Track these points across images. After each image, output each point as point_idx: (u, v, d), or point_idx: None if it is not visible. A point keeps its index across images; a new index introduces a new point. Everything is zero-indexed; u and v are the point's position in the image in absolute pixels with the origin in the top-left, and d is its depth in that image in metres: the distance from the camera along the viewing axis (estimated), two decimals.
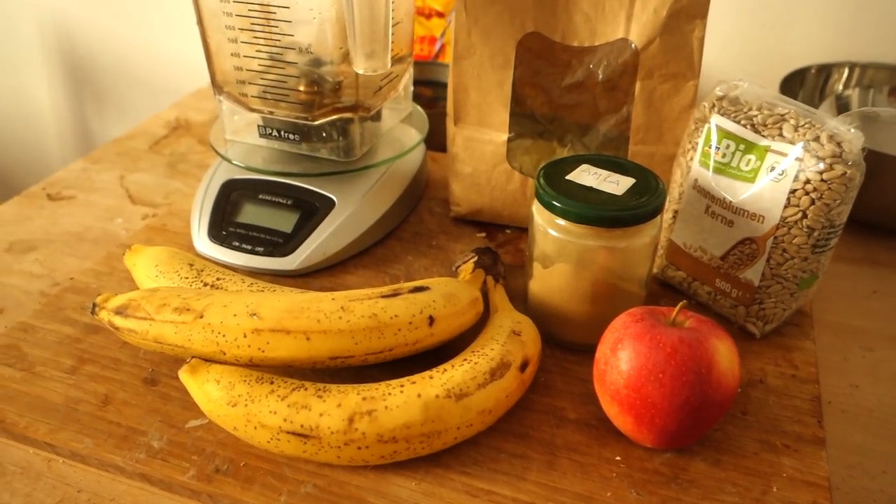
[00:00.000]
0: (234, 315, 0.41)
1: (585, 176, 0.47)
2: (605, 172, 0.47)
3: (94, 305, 0.44)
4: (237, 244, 0.57)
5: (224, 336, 0.41)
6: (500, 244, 0.61)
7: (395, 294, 0.43)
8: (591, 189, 0.46)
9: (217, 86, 0.59)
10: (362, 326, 0.41)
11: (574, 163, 0.49)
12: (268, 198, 0.59)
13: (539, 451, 0.42)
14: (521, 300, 0.52)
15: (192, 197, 0.66)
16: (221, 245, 0.57)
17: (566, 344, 0.50)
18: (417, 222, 0.63)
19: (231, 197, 0.59)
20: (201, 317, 0.41)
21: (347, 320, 0.41)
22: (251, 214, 0.58)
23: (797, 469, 0.42)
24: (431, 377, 0.41)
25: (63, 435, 0.42)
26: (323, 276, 0.56)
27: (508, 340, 0.44)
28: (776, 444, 0.43)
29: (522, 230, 0.62)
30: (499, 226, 0.63)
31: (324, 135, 0.58)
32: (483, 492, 0.40)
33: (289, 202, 0.58)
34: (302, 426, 0.39)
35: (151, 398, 0.45)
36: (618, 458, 0.42)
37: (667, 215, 0.54)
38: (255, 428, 0.40)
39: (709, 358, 0.38)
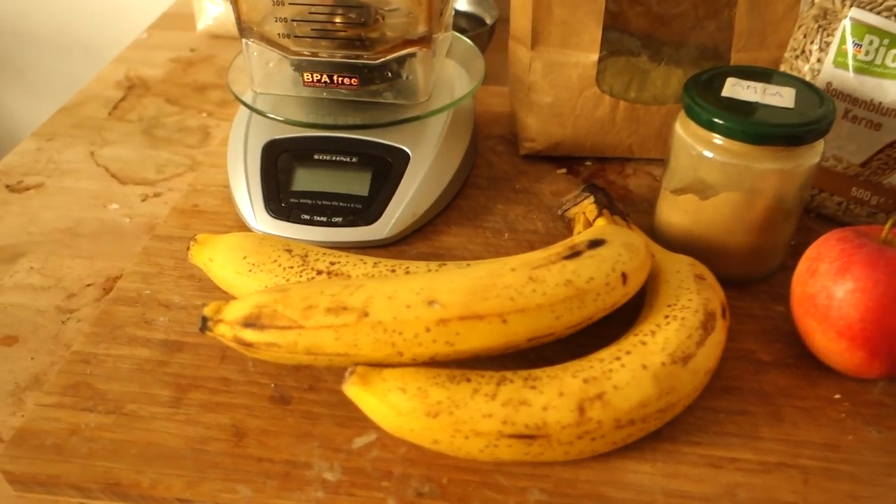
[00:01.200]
0: (408, 306, 0.33)
1: (740, 90, 0.42)
2: (758, 84, 0.42)
3: (206, 320, 0.35)
4: (307, 217, 0.47)
5: (401, 334, 0.33)
6: (586, 179, 0.55)
7: (575, 253, 0.37)
8: (755, 105, 0.41)
9: (244, 27, 0.48)
10: (560, 297, 0.35)
11: (718, 77, 0.43)
12: (327, 157, 0.49)
13: (756, 404, 0.38)
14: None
15: (198, 168, 0.55)
16: (288, 220, 0.47)
17: (720, 280, 0.45)
18: (486, 166, 0.56)
19: (279, 162, 0.49)
20: (366, 315, 0.33)
21: (543, 293, 0.34)
22: (312, 179, 0.49)
23: None
24: (644, 343, 0.35)
25: (207, 487, 0.33)
26: (417, 241, 0.48)
27: (699, 286, 0.39)
28: None
29: (603, 161, 0.56)
30: (577, 158, 0.56)
31: (389, 74, 0.48)
32: (725, 460, 0.35)
33: (354, 160, 0.49)
34: (526, 426, 0.32)
35: (293, 420, 0.36)
36: (837, 395, 0.38)
37: None
38: (467, 438, 0.33)
39: None
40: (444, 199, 0.50)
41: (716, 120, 0.40)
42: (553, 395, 0.33)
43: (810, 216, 0.51)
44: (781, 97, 0.41)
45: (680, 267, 0.40)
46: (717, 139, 0.41)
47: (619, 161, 0.56)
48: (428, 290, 0.34)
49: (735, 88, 0.42)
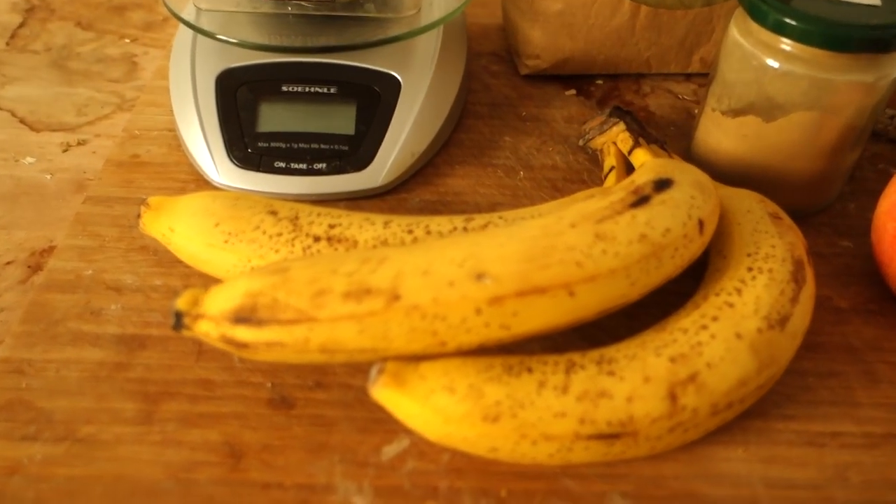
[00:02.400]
0: (451, 283, 0.26)
1: None
2: None
3: (180, 316, 0.26)
4: (282, 164, 0.38)
5: (445, 320, 0.26)
6: (599, 100, 0.47)
7: (642, 198, 0.29)
8: (834, 1, 0.33)
9: None
10: (636, 257, 0.27)
11: None
12: (298, 89, 0.40)
13: (845, 362, 0.32)
14: None
15: (132, 108, 0.45)
16: (258, 170, 0.38)
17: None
18: (483, 90, 0.47)
19: (239, 97, 0.40)
20: (397, 297, 0.25)
21: (616, 253, 0.27)
22: (283, 117, 0.39)
23: None
24: (731, 304, 0.29)
25: None
26: (417, 187, 0.40)
27: (779, 228, 0.32)
28: None
29: (615, 78, 0.48)
30: (586, 77, 0.48)
31: None
32: (826, 436, 0.30)
33: (333, 90, 0.40)
34: (609, 424, 0.26)
35: (301, 429, 0.29)
36: None
37: None
38: (535, 443, 0.26)
39: None
40: (445, 132, 0.42)
41: (787, 20, 0.33)
42: (637, 382, 0.26)
43: None
44: None
45: (750, 205, 0.34)
46: (787, 45, 0.33)
47: (632, 78, 0.49)
48: (474, 259, 0.26)
49: None
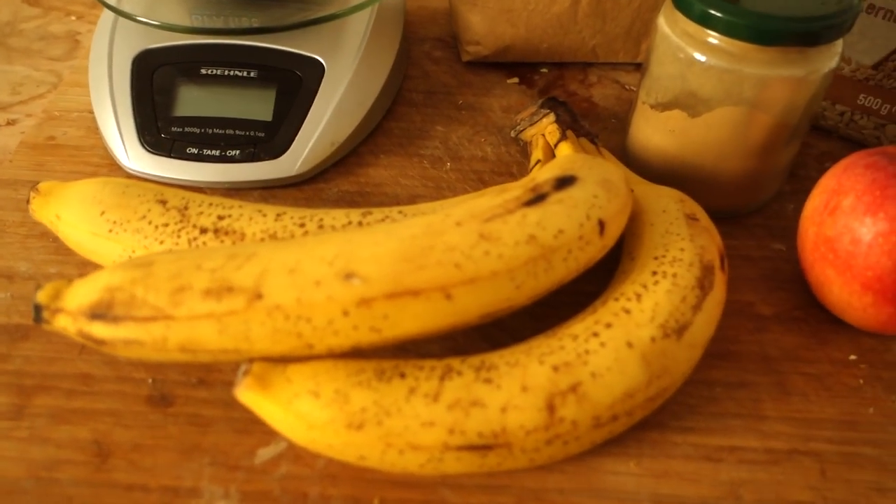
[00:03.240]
0: (317, 283, 0.24)
1: None
2: None
3: (39, 309, 0.25)
4: (194, 151, 0.37)
5: (310, 321, 0.24)
6: (541, 90, 0.45)
7: (539, 196, 0.28)
8: None
9: None
10: (522, 259, 0.26)
11: None
12: (218, 72, 0.39)
13: (757, 372, 0.31)
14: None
15: (72, 87, 0.44)
16: (169, 156, 0.37)
17: (708, 213, 0.37)
18: (422, 77, 0.46)
19: (156, 79, 0.38)
20: (260, 297, 0.24)
21: (499, 254, 0.26)
22: (200, 102, 0.38)
23: None
24: (627, 310, 0.28)
25: None
26: (337, 176, 0.39)
27: (692, 231, 0.31)
28: None
29: (561, 67, 0.47)
30: (531, 65, 0.47)
31: None
32: (724, 450, 0.28)
33: (253, 74, 0.39)
34: (480, 435, 0.25)
35: (176, 429, 0.28)
36: (852, 356, 0.32)
37: None
38: (402, 453, 0.25)
39: None
40: (371, 121, 0.41)
41: (712, 12, 0.31)
42: (514, 391, 0.25)
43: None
44: None
45: (666, 205, 0.32)
46: (713, 38, 0.32)
47: (579, 67, 0.47)
48: (344, 257, 0.25)
49: None
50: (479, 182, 0.39)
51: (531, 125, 0.39)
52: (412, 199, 0.37)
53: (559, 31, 0.44)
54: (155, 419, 0.28)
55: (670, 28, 0.33)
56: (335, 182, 0.38)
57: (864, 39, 0.38)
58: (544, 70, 0.47)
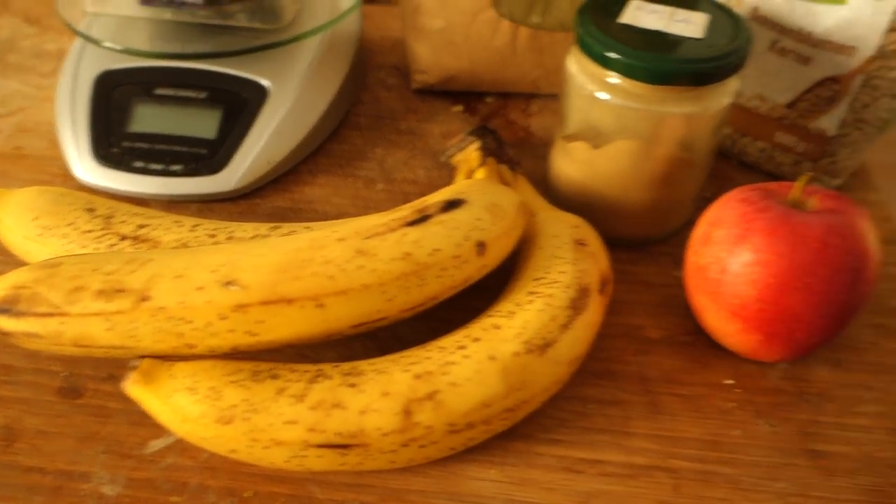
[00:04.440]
0: (199, 289, 0.27)
1: (643, 16, 0.34)
2: (665, 9, 0.35)
3: None
4: (141, 165, 0.40)
5: (190, 323, 0.27)
6: (485, 118, 0.48)
7: (422, 217, 0.30)
8: (658, 34, 0.34)
9: None
10: (395, 275, 0.28)
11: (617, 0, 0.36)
12: (170, 93, 0.42)
13: (633, 392, 0.33)
14: (541, 189, 0.40)
15: (47, 102, 0.48)
16: (117, 168, 0.40)
17: (617, 240, 0.39)
18: (372, 102, 0.48)
19: (114, 96, 0.42)
20: (146, 299, 0.27)
21: (372, 269, 0.28)
22: (151, 119, 0.41)
23: None
24: (497, 326, 0.30)
25: None
26: (273, 193, 0.42)
27: (576, 255, 0.33)
28: (891, 326, 0.36)
29: (507, 97, 0.49)
30: (477, 94, 0.49)
31: None
32: (586, 463, 0.30)
33: (203, 96, 0.42)
34: (338, 434, 0.27)
35: (80, 418, 0.31)
36: (728, 380, 0.33)
37: None
38: (266, 448, 0.27)
39: (863, 247, 0.29)
40: (311, 142, 0.43)
41: (609, 54, 0.33)
42: (375, 396, 0.27)
43: (732, 163, 0.45)
44: (690, 24, 0.34)
45: (559, 230, 0.34)
46: (612, 77, 0.34)
47: (524, 97, 0.49)
48: (229, 266, 0.28)
49: (638, 13, 0.35)
50: (405, 202, 0.41)
51: (459, 150, 0.41)
52: (340, 216, 0.40)
53: (500, 64, 0.46)
54: (62, 409, 0.31)
55: (576, 67, 0.35)
56: (270, 198, 0.41)
57: (777, 79, 0.40)
58: (489, 99, 0.49)
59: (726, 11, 0.35)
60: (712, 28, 0.34)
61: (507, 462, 0.30)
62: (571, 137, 0.37)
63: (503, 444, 0.30)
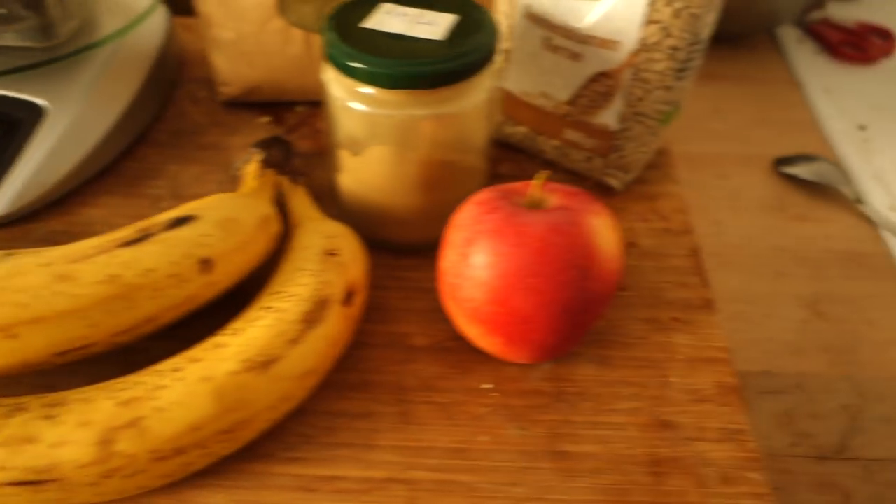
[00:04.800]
0: None
1: (389, 19, 0.34)
2: (414, 11, 0.34)
3: None
4: None
5: None
6: (292, 127, 0.47)
7: (144, 236, 0.29)
8: (399, 37, 0.33)
9: None
10: (97, 298, 0.27)
11: (369, 4, 0.35)
12: None
13: (387, 402, 0.32)
14: (332, 199, 0.39)
15: None
16: None
17: (397, 246, 0.38)
18: (177, 117, 0.47)
19: None
20: None
21: (73, 294, 0.27)
22: None
23: (692, 346, 0.35)
24: (221, 345, 0.29)
25: None
26: (50, 215, 0.40)
27: (323, 266, 0.32)
28: (664, 320, 0.36)
29: (315, 104, 0.48)
30: (286, 103, 0.48)
31: (2, 11, 0.39)
32: (322, 480, 0.29)
33: None
34: (28, 470, 0.26)
35: None
36: (487, 385, 0.33)
37: (497, 57, 0.42)
38: None
39: (588, 244, 0.29)
40: (95, 162, 0.42)
41: (352, 62, 0.32)
42: (71, 427, 0.26)
43: (536, 162, 0.45)
44: (434, 26, 0.33)
45: (312, 241, 0.33)
46: (358, 85, 0.33)
47: None
48: None
49: (384, 17, 0.34)
50: None
51: (244, 163, 0.40)
52: None
53: (299, 72, 0.45)
54: None
55: (331, 79, 0.34)
56: (46, 222, 0.40)
57: (556, 77, 0.39)
58: (300, 108, 0.48)
59: (479, 11, 0.35)
60: (458, 29, 0.33)
61: (239, 485, 0.29)
62: (336, 145, 0.36)
63: (239, 465, 0.29)
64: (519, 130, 0.43)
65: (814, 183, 0.54)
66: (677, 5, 0.34)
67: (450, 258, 0.31)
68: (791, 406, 0.40)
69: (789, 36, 0.70)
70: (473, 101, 0.34)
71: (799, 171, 0.53)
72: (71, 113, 0.41)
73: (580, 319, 0.30)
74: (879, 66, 0.68)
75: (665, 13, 0.34)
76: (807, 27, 0.70)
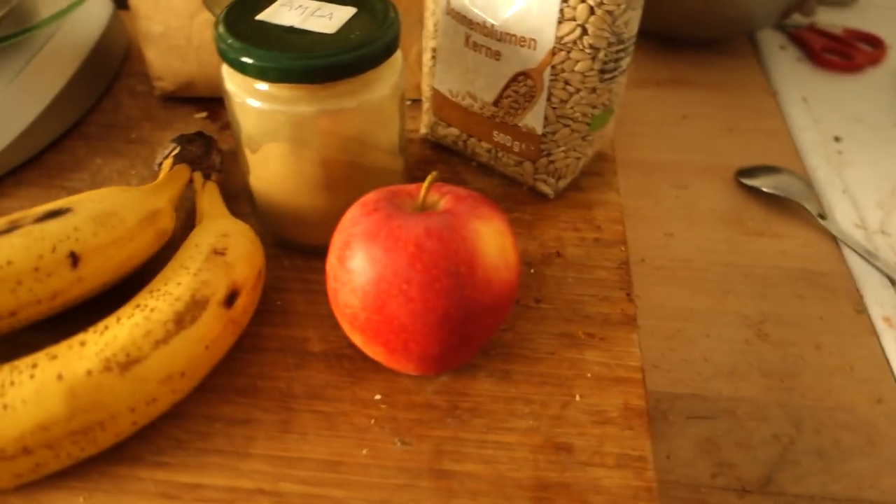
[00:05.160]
0: None
1: (285, 12, 0.33)
2: (313, 4, 0.33)
3: None
4: None
5: None
6: (224, 124, 0.46)
7: (11, 228, 0.28)
8: (292, 30, 0.32)
9: None
10: None
11: None
12: None
13: (270, 409, 0.31)
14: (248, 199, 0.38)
15: None
16: None
17: (306, 248, 0.37)
18: (112, 110, 0.47)
19: None
20: None
21: None
22: None
23: (604, 364, 0.33)
24: (83, 343, 0.28)
25: None
26: None
27: (206, 265, 0.31)
28: (578, 336, 0.34)
29: None
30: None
31: None
32: (186, 487, 0.28)
33: None
34: None
35: None
36: (377, 396, 0.31)
37: (425, 56, 0.41)
38: None
39: (469, 250, 0.27)
40: (18, 152, 0.41)
41: (242, 57, 0.31)
42: None
43: (469, 165, 0.43)
44: (329, 19, 0.32)
45: (203, 239, 0.32)
46: (252, 81, 0.32)
47: None
48: None
49: (279, 10, 0.33)
50: None
51: (164, 158, 0.39)
52: None
53: None
54: None
55: (227, 75, 0.33)
56: None
57: (479, 77, 0.38)
58: None
59: (381, 3, 0.33)
60: (355, 22, 0.32)
61: (99, 488, 0.28)
62: (240, 143, 0.35)
63: (103, 467, 0.28)
64: (451, 132, 0.42)
65: (776, 196, 0.52)
66: (591, 2, 0.32)
67: (330, 261, 0.29)
68: (718, 433, 0.38)
69: (771, 41, 0.68)
70: (373, 97, 0.32)
71: (760, 183, 0.51)
72: None
73: (466, 330, 0.28)
74: (865, 75, 0.65)
75: (580, 10, 0.33)
76: (790, 33, 0.68)
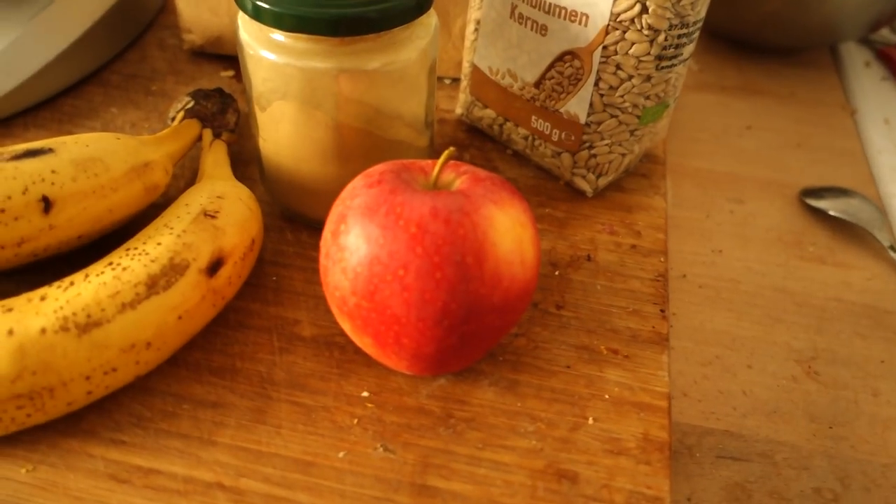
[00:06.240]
0: None
1: None
2: None
3: None
4: None
5: None
6: None
7: None
8: None
9: None
10: None
11: None
12: None
13: (245, 395, 0.27)
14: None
15: None
16: None
17: (314, 223, 0.34)
18: (138, 60, 0.44)
19: None
20: None
21: None
22: None
23: (626, 385, 0.29)
24: (43, 298, 0.25)
25: None
26: None
27: (192, 227, 0.28)
28: (600, 351, 0.30)
29: None
30: None
31: None
32: (138, 471, 0.25)
33: None
34: None
35: None
36: (365, 393, 0.28)
37: (468, 29, 0.37)
38: None
39: (479, 238, 0.24)
40: (33, 92, 0.39)
41: (257, 1, 0.28)
42: None
43: (504, 153, 0.39)
44: None
45: (195, 199, 0.29)
46: (270, 31, 0.29)
47: None
48: None
49: None
50: None
51: (176, 112, 0.37)
52: None
53: None
54: None
55: (242, 23, 0.30)
56: None
57: (522, 53, 0.34)
58: None
59: None
60: None
61: (45, 461, 0.25)
62: (250, 101, 0.32)
63: (54, 438, 0.26)
64: (487, 114, 0.38)
65: (843, 221, 0.46)
66: None
67: (324, 236, 0.26)
68: (751, 478, 0.33)
69: (855, 56, 0.62)
70: (397, 59, 0.29)
71: (827, 205, 0.46)
72: (11, 34, 0.38)
73: (467, 330, 0.25)
74: None
75: None
76: (877, 49, 0.62)
